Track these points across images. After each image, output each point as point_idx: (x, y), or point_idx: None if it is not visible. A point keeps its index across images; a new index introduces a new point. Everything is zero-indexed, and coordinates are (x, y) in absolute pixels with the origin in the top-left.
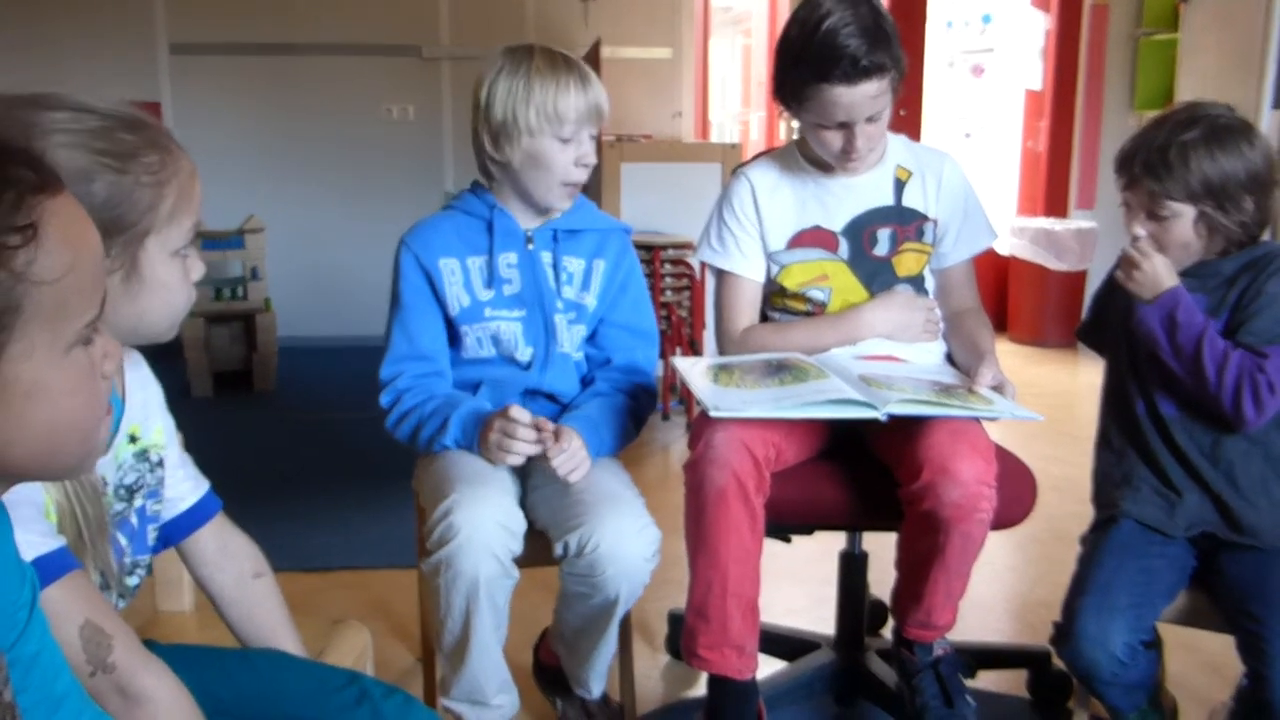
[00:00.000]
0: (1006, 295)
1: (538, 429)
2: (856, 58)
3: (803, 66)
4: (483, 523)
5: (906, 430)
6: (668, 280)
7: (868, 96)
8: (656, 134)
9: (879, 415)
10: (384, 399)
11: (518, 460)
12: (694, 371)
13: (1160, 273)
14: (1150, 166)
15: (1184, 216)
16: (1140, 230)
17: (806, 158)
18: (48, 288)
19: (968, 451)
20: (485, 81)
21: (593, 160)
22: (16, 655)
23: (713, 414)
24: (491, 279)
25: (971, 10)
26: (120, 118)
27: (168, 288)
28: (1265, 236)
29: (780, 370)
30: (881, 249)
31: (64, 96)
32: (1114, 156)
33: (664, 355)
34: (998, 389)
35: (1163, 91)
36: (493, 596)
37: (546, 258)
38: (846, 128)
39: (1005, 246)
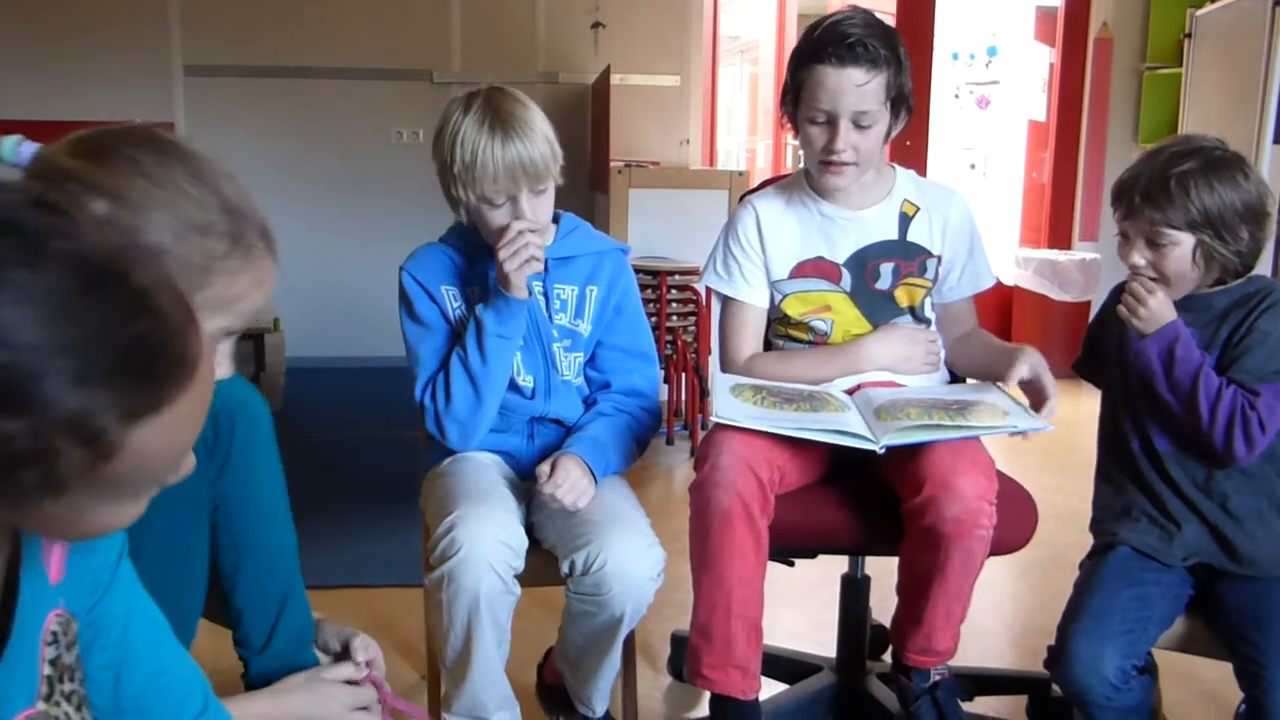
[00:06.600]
0: (1011, 325)
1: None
2: (847, 36)
3: (803, 53)
4: (484, 539)
5: (908, 446)
6: (674, 306)
7: (854, 84)
8: (664, 161)
9: (876, 449)
10: (426, 413)
11: (537, 266)
12: (725, 385)
13: (1163, 308)
14: (1150, 195)
15: (1183, 245)
16: (1139, 259)
17: (813, 187)
18: (113, 482)
19: (968, 467)
20: (434, 137)
21: (538, 219)
22: (95, 615)
23: (713, 419)
24: None
25: (977, 43)
26: (221, 198)
27: None
28: (1261, 269)
29: (808, 399)
30: (884, 283)
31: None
32: (1111, 188)
33: (668, 380)
34: (1033, 381)
35: (1167, 125)
36: (494, 612)
37: (538, 287)
38: (832, 124)
39: (1010, 277)
